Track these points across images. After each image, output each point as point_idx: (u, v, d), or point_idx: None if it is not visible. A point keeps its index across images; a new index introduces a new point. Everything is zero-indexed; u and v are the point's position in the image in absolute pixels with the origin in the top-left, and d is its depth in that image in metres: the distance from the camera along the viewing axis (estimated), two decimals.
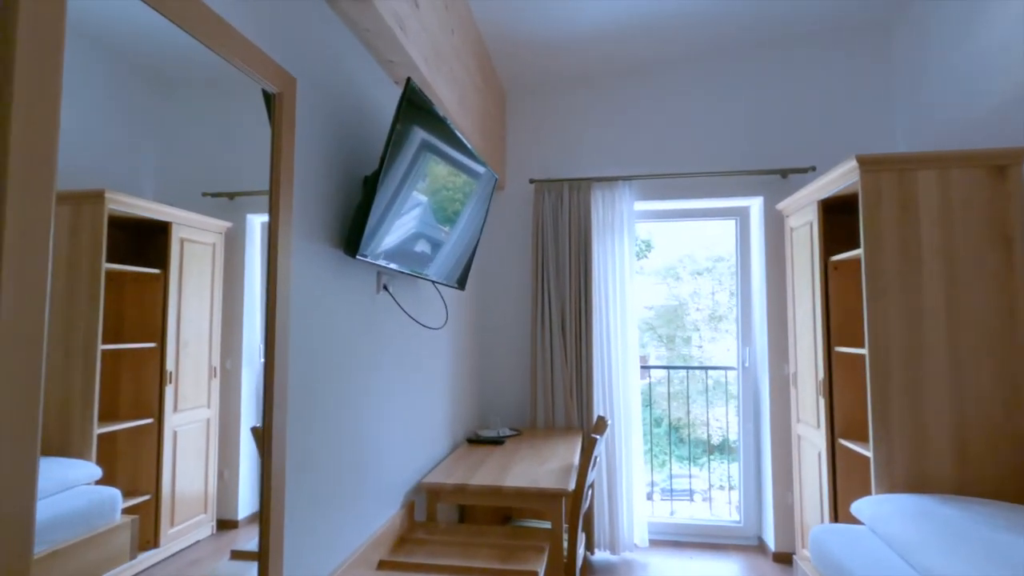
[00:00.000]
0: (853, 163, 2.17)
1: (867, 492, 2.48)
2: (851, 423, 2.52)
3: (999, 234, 2.07)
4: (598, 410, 3.12)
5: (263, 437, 1.19)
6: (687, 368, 5.73)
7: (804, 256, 2.73)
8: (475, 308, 3.24)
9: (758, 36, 3.12)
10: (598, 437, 2.03)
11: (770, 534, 3.08)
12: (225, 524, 1.06)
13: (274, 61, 1.20)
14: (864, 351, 2.19)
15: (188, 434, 0.96)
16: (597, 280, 3.19)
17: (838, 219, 2.78)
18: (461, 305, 2.92)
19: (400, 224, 1.70)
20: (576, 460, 2.39)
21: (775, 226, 3.15)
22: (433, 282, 2.05)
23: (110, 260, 0.79)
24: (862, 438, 2.44)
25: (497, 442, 2.69)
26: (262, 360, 1.20)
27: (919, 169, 2.13)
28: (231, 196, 1.07)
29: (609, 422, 2.32)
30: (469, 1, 2.55)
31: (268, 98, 1.21)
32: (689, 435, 4.46)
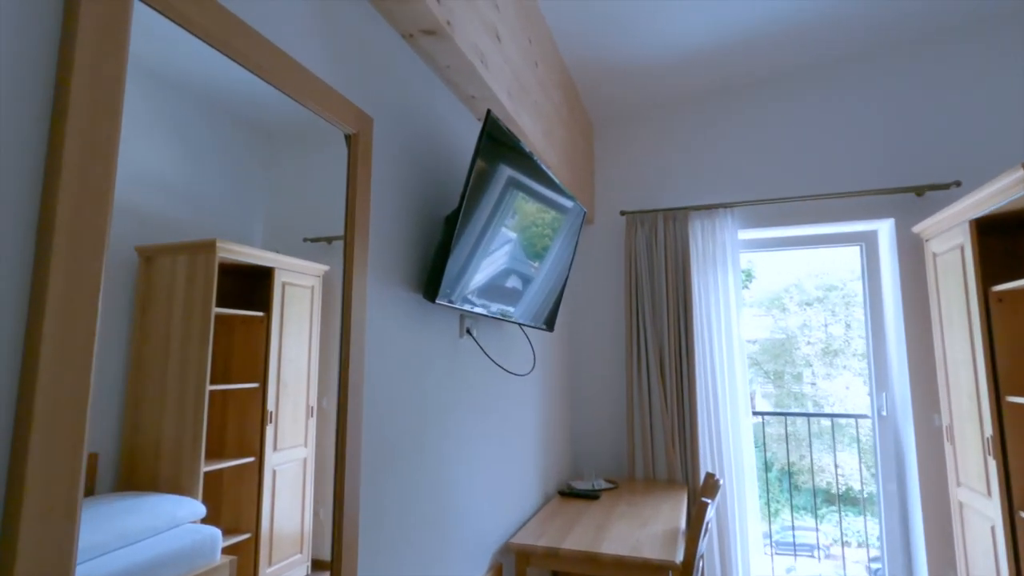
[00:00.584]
0: (1022, 172, 1.79)
1: None
2: None
3: None
4: (704, 462, 2.79)
5: (334, 489, 1.10)
6: (808, 415, 5.11)
7: (954, 286, 2.31)
8: (565, 350, 3.07)
9: (881, 38, 2.78)
10: (709, 502, 1.76)
11: None
12: (319, 564, 1.06)
13: (350, 102, 1.16)
14: None
15: (286, 473, 0.97)
16: (698, 317, 2.91)
17: (995, 242, 2.34)
18: (550, 347, 2.76)
19: (482, 264, 1.59)
20: (683, 523, 2.11)
21: (912, 251, 2.72)
22: (520, 324, 1.92)
23: (219, 305, 0.83)
24: None
25: (592, 496, 2.47)
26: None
27: None
28: (329, 240, 1.10)
29: (720, 480, 2.03)
30: (553, 32, 2.49)
31: (347, 139, 1.17)
32: (812, 483, 3.94)
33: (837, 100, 2.90)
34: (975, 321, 2.15)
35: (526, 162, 1.73)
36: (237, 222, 0.87)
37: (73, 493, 0.61)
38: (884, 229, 2.88)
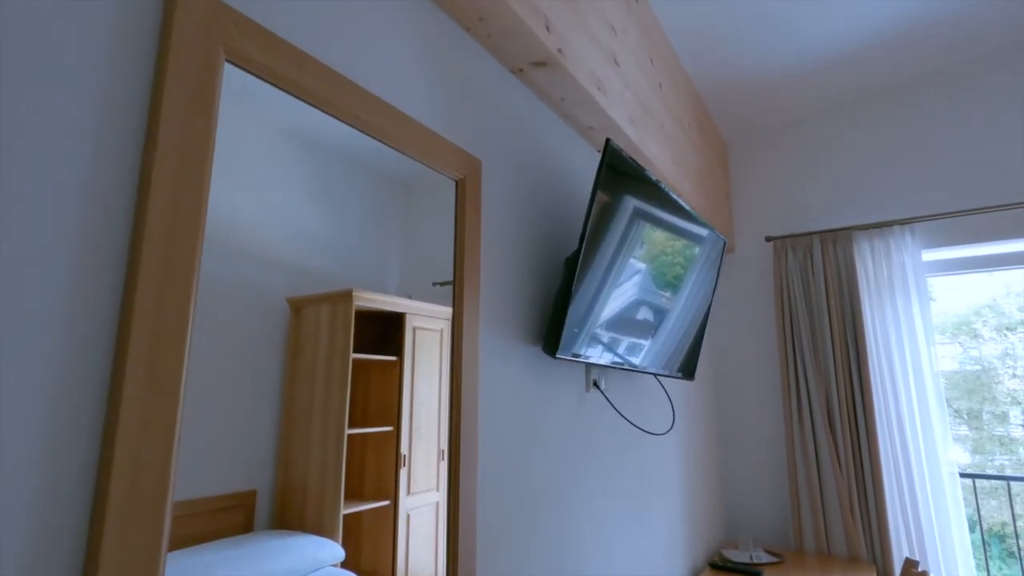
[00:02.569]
0: None
1: None
2: None
3: None
4: (897, 534, 2.27)
5: (447, 539, 1.01)
6: None
7: None
8: (710, 399, 2.74)
9: None
10: None
11: None
12: None
13: (455, 146, 1.09)
14: None
15: (419, 517, 0.97)
16: (874, 354, 2.43)
17: None
18: (692, 396, 2.47)
19: (608, 304, 1.43)
20: None
21: None
22: (655, 375, 1.71)
23: (356, 350, 0.86)
24: None
25: (752, 573, 2.10)
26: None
27: None
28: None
29: (923, 567, 1.58)
30: (676, 50, 2.30)
31: (456, 184, 1.10)
32: (1020, 552, 3.14)
33: None
34: None
35: (653, 192, 1.55)
36: (373, 270, 0.91)
37: (156, 543, 0.58)
38: None
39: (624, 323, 1.50)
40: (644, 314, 1.58)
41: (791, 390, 2.54)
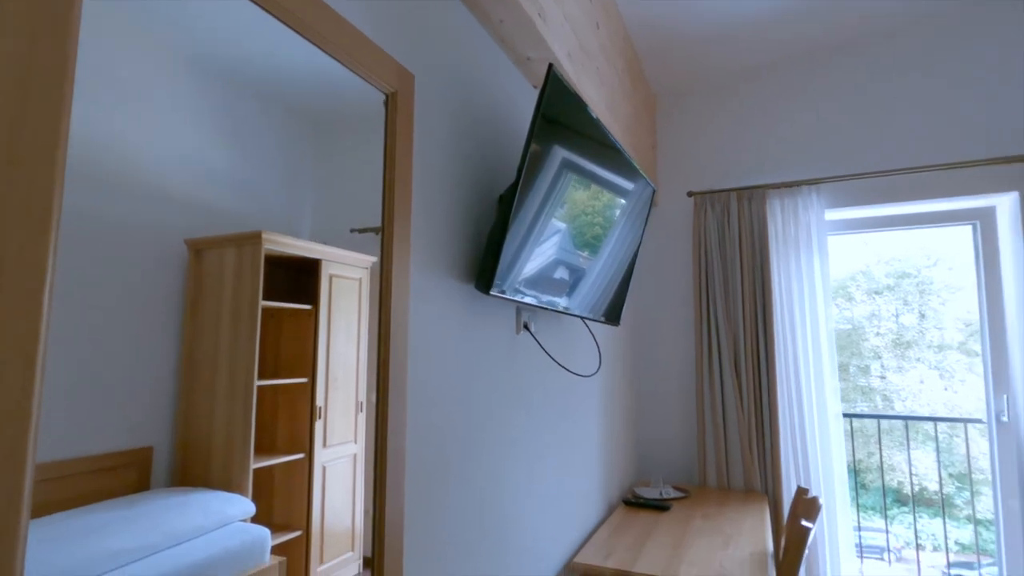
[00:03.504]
0: None
1: None
2: None
3: None
4: (787, 469, 2.50)
5: (374, 489, 0.98)
6: (906, 418, 4.71)
7: None
8: (629, 345, 2.83)
9: None
10: (810, 527, 1.50)
11: None
12: (371, 562, 1.02)
13: (388, 55, 0.97)
14: None
15: (336, 470, 0.94)
16: (779, 307, 2.60)
17: None
18: (613, 340, 2.53)
19: (543, 249, 1.38)
20: (769, 544, 1.85)
21: None
22: (582, 318, 1.70)
23: (267, 298, 0.81)
24: None
25: (661, 507, 2.23)
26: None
27: None
28: (376, 231, 1.04)
29: (820, 501, 1.75)
30: None
31: (385, 101, 0.98)
32: (883, 483, 3.64)
33: (940, 59, 2.51)
34: None
35: (592, 130, 1.50)
36: (284, 213, 0.84)
37: (14, 505, 0.48)
38: (1004, 205, 2.48)
39: (556, 264, 1.47)
40: (576, 256, 1.55)
41: (703, 338, 2.68)
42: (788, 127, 2.76)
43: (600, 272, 1.75)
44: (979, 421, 2.56)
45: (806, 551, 1.63)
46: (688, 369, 2.83)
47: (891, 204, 2.56)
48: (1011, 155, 2.35)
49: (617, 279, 1.93)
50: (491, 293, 1.20)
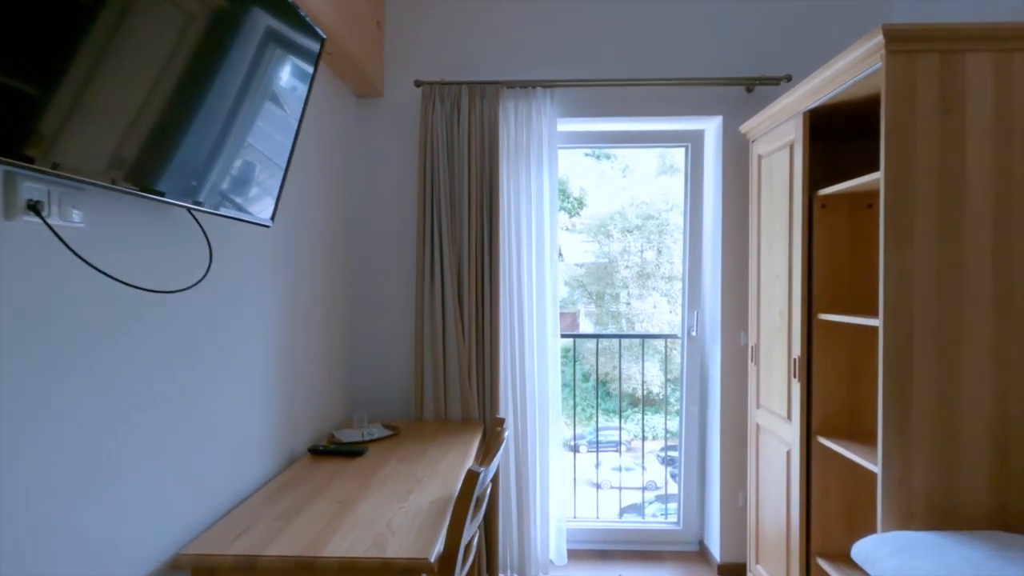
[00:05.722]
0: (877, 40, 1.42)
1: (852, 509, 1.89)
2: (834, 415, 1.90)
3: None
4: (505, 393, 2.36)
5: None
6: (619, 337, 5.21)
7: (778, 192, 2.03)
8: (338, 262, 2.34)
9: None
10: (480, 471, 1.25)
11: (715, 541, 2.49)
12: None
13: None
14: (875, 321, 1.51)
15: None
16: (506, 223, 2.37)
17: (819, 148, 2.09)
18: (302, 257, 2.01)
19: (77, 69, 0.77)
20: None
21: (736, 154, 2.43)
22: (181, 206, 1.14)
23: None
24: (847, 436, 1.82)
25: (354, 453, 1.87)
26: None
27: (969, 50, 1.42)
28: None
29: (506, 431, 1.57)
30: None
31: None
32: (620, 390, 4.03)
33: None
34: (796, 228, 1.88)
35: None
36: None
37: None
38: (711, 129, 2.55)
39: (111, 108, 0.87)
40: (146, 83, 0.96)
41: (425, 259, 2.32)
42: (529, 21, 2.44)
43: (208, 129, 1.18)
44: (676, 336, 2.73)
45: (483, 494, 1.40)
46: (409, 294, 2.47)
47: (619, 119, 2.46)
48: (718, 77, 2.37)
49: (268, 142, 1.38)
50: None
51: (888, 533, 1.40)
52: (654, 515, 4.31)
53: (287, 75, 1.30)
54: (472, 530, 1.39)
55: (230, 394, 1.49)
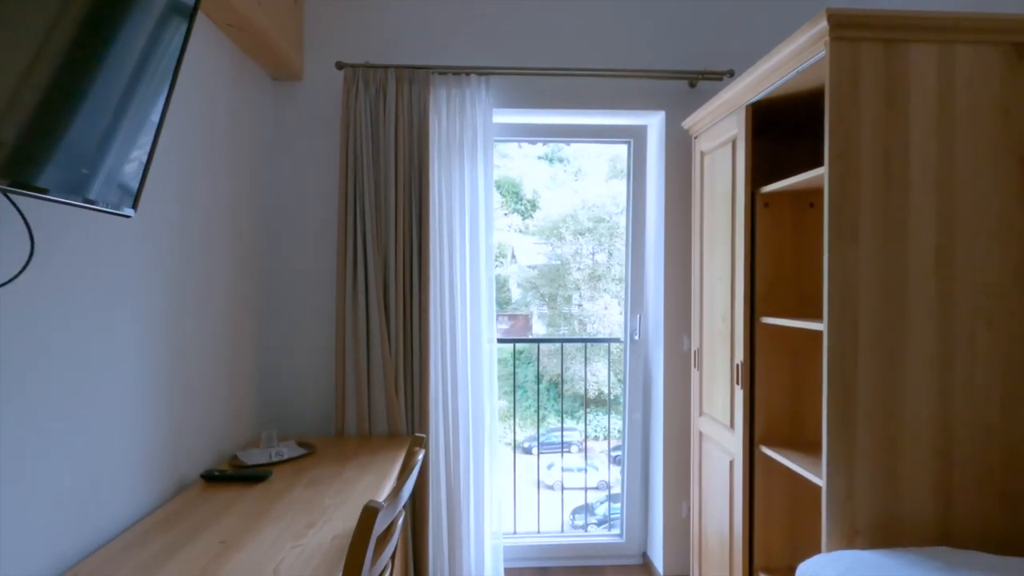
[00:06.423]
0: (821, 27, 1.33)
1: (796, 521, 1.81)
2: (777, 423, 1.82)
3: (1018, 148, 1.36)
4: (435, 404, 2.17)
5: None
6: (561, 341, 5.14)
7: (721, 190, 1.93)
8: (252, 260, 2.10)
9: None
10: (383, 506, 1.06)
11: (658, 554, 2.39)
12: None
13: None
14: (819, 325, 1.42)
15: None
16: (437, 222, 2.19)
17: (763, 145, 2.01)
18: (195, 248, 1.77)
19: None
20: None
21: (680, 152, 2.34)
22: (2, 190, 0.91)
23: None
24: (790, 445, 1.74)
25: (256, 477, 1.64)
26: None
27: (913, 40, 1.35)
28: None
29: (420, 451, 1.39)
30: None
31: None
32: (562, 392, 3.93)
33: None
34: (739, 228, 1.79)
35: None
36: None
37: None
38: (654, 124, 2.46)
39: None
40: None
41: (348, 260, 2.11)
42: (464, 6, 2.28)
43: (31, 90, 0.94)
44: (618, 340, 2.62)
45: (393, 527, 1.22)
46: (330, 299, 2.25)
47: (559, 111, 2.32)
48: (661, 70, 2.27)
49: (108, 110, 1.15)
50: None
51: (834, 553, 1.31)
52: (604, 515, 4.30)
53: (147, 30, 1.07)
54: (379, 569, 1.20)
55: (81, 411, 1.25)
